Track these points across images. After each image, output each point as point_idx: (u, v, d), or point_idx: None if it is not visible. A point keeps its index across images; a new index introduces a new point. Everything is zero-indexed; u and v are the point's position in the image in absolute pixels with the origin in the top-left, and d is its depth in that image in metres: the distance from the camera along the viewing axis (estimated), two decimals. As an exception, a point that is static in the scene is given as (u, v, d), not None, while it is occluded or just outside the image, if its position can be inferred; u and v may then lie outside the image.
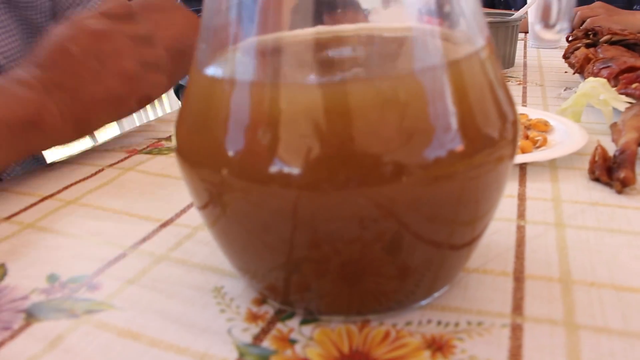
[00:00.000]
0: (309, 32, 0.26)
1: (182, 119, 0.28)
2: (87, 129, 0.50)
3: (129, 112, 0.53)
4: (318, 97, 0.23)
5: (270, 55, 0.26)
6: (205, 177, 0.26)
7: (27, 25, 0.64)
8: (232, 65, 0.26)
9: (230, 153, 0.24)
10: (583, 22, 1.22)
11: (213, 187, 0.26)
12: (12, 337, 0.27)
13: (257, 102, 0.24)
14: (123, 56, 0.51)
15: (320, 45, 0.26)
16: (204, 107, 0.26)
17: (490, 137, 0.26)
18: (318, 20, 0.26)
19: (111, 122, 0.52)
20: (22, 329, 0.27)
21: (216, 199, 0.26)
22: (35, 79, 0.46)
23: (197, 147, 0.26)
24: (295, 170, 0.23)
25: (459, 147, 0.24)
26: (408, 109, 0.24)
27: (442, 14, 0.27)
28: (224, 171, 0.25)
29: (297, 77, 0.25)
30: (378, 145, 0.23)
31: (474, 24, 0.27)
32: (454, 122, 0.24)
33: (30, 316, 0.28)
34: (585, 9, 1.23)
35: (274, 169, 0.23)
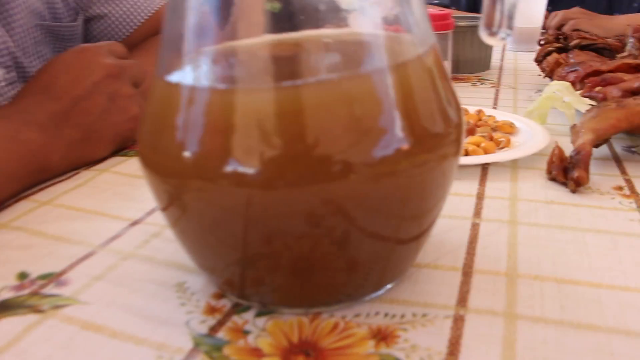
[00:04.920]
0: (260, 37, 0.28)
1: (144, 123, 0.29)
2: (86, 164, 0.50)
3: (125, 149, 0.55)
4: (268, 100, 0.25)
5: (223, 61, 0.27)
6: (164, 178, 0.27)
7: None
8: (187, 71, 0.27)
9: (187, 154, 0.26)
10: (562, 24, 1.24)
11: (172, 188, 0.27)
12: (-21, 330, 0.28)
13: (210, 106, 0.25)
14: (129, 96, 0.52)
15: (271, 49, 0.28)
16: (162, 110, 0.27)
17: (434, 137, 0.27)
18: (274, 27, 0.27)
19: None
20: (-11, 323, 0.29)
21: (175, 200, 0.27)
22: (47, 114, 0.46)
23: (156, 149, 0.27)
24: (248, 170, 0.24)
25: (405, 145, 0.26)
26: (355, 109, 0.25)
27: (392, 19, 0.28)
28: (180, 172, 0.26)
29: (248, 81, 0.26)
30: (326, 144, 0.24)
31: (420, 30, 0.29)
32: (399, 122, 0.26)
33: (-2, 311, 0.30)
34: (567, 12, 1.25)
35: (228, 168, 0.25)
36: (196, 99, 0.26)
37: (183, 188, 0.27)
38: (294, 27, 0.27)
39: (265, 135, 0.24)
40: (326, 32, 0.28)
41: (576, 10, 1.26)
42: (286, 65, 0.27)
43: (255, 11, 0.28)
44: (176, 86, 0.27)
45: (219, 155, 0.25)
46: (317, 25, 0.28)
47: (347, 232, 0.26)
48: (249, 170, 0.24)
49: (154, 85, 0.29)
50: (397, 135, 0.25)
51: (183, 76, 0.27)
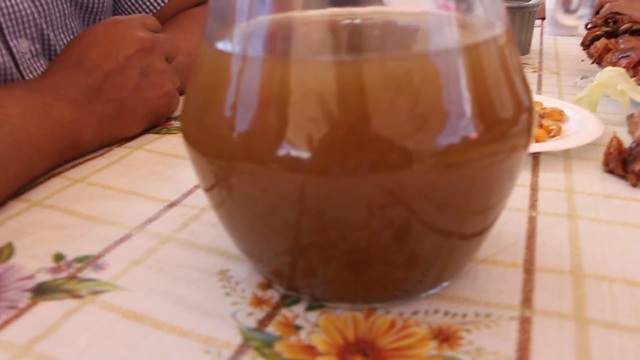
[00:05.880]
0: (323, 12, 0.26)
1: (189, 98, 0.27)
2: (118, 141, 0.49)
3: (157, 126, 0.53)
4: (330, 75, 0.23)
5: (282, 33, 0.25)
6: (211, 159, 0.25)
7: None
8: (242, 40, 0.25)
9: (236, 134, 0.24)
10: (602, 6, 1.19)
11: (219, 169, 0.25)
12: (17, 316, 0.27)
13: (266, 78, 0.23)
14: (162, 71, 0.50)
15: (335, 25, 0.26)
16: (211, 83, 0.25)
17: (505, 125, 0.25)
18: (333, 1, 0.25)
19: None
20: (27, 308, 0.27)
21: (222, 182, 0.25)
22: (79, 89, 0.45)
23: (201, 126, 0.26)
24: (303, 154, 0.23)
25: (473, 134, 0.24)
26: (422, 92, 0.23)
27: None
28: (230, 153, 0.24)
29: (308, 54, 0.24)
30: (389, 129, 0.22)
31: (493, 10, 0.26)
32: (468, 108, 0.24)
33: (36, 295, 0.28)
34: None
35: (281, 151, 0.23)
36: (248, 71, 0.24)
37: (231, 170, 0.25)
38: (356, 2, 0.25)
39: (322, 115, 0.22)
40: (393, 9, 0.26)
41: (617, -8, 1.21)
42: (350, 41, 0.25)
43: None
44: (226, 54, 0.25)
45: (271, 136, 0.23)
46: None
47: (407, 225, 0.24)
48: (303, 154, 0.23)
49: (201, 55, 0.27)
50: (466, 123, 0.23)
51: (234, 44, 0.25)
